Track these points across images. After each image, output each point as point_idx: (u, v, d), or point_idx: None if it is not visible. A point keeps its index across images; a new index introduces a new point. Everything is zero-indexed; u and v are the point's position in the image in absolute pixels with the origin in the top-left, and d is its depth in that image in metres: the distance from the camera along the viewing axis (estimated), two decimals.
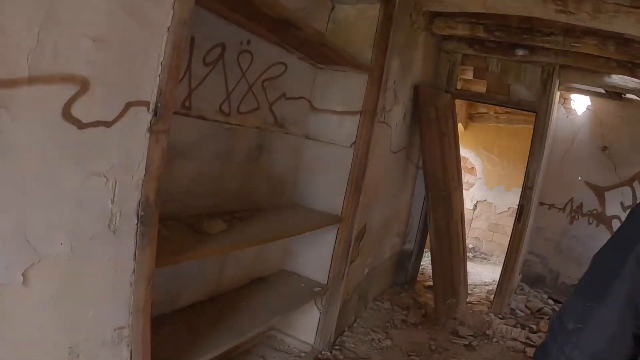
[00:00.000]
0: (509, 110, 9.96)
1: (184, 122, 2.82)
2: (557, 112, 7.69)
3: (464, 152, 10.47)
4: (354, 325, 5.08)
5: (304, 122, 4.08)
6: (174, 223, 2.74)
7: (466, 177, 10.58)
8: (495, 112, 10.36)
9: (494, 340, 5.47)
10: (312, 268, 4.19)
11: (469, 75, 7.11)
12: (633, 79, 5.64)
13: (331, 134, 4.04)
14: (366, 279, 5.28)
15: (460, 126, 10.09)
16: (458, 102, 9.44)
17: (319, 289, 4.01)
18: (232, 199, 3.36)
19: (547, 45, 5.19)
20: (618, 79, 5.93)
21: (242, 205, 3.47)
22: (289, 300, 3.68)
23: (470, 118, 10.66)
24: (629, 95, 6.91)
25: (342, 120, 3.99)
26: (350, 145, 3.95)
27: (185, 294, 3.15)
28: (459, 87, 6.62)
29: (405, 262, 6.64)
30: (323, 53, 3.44)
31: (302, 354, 4.17)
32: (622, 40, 4.77)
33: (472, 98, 6.87)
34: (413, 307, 5.87)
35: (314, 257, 4.18)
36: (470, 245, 10.39)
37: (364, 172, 4.08)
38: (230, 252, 3.44)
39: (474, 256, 9.87)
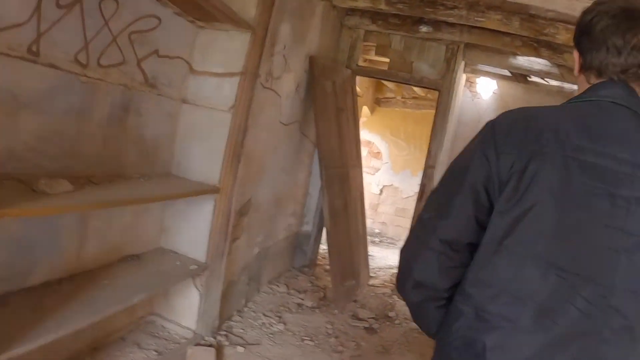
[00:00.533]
0: (415, 95, 9.97)
1: (30, 69, 2.41)
2: (462, 95, 7.77)
3: (370, 136, 10.37)
4: (245, 309, 4.76)
5: (181, 84, 3.70)
6: (13, 183, 2.34)
7: (372, 162, 10.48)
8: (402, 97, 10.33)
9: (397, 322, 5.31)
10: (190, 245, 3.84)
11: (373, 55, 6.94)
12: (538, 60, 5.62)
13: (210, 97, 3.69)
14: (257, 259, 4.98)
15: (366, 110, 9.98)
16: (364, 84, 9.39)
17: (195, 267, 3.66)
18: (91, 162, 2.97)
19: (451, 20, 5.06)
20: (524, 60, 5.91)
21: (104, 170, 3.09)
22: (160, 278, 3.32)
23: (377, 103, 10.55)
24: (534, 79, 6.91)
25: (222, 82, 3.66)
26: (229, 109, 3.62)
27: (37, 270, 2.74)
28: (361, 64, 6.42)
29: (304, 245, 6.38)
30: (197, 5, 3.09)
31: (183, 340, 3.82)
32: (526, 16, 4.70)
33: (374, 75, 6.65)
34: (311, 291, 5.61)
35: (192, 234, 3.83)
36: (376, 230, 10.31)
37: (244, 138, 3.77)
38: (93, 226, 3.08)
39: (380, 241, 9.76)
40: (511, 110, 1.38)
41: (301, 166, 5.78)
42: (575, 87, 6.31)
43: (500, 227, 1.24)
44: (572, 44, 1.50)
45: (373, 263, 7.35)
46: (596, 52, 1.35)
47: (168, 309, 3.96)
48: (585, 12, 1.40)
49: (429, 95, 9.75)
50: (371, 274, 6.72)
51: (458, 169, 1.39)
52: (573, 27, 4.59)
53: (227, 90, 3.62)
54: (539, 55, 5.23)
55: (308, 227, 6.38)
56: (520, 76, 6.87)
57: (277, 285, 5.54)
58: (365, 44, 6.28)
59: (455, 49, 5.81)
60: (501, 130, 1.31)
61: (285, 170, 5.25)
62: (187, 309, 3.89)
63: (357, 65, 6.18)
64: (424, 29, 5.62)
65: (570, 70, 5.66)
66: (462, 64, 6.23)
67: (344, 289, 5.31)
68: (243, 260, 4.58)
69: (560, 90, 6.89)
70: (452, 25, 5.34)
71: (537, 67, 5.89)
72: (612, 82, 1.33)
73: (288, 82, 4.70)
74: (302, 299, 5.29)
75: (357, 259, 5.80)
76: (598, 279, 1.14)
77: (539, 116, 1.31)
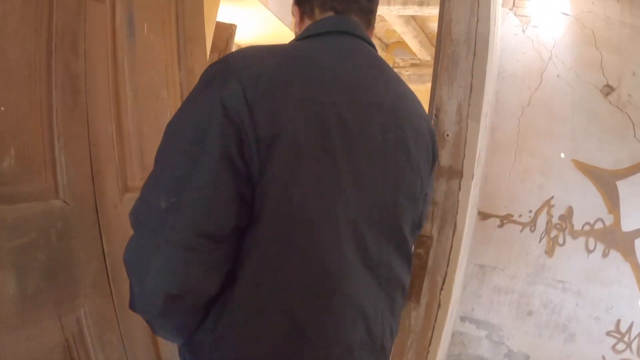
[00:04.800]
0: (416, 60, 6.74)
1: None
2: (501, 22, 4.35)
3: None
4: None
5: None
6: None
7: None
8: (395, 66, 7.19)
9: None
10: None
11: None
12: None
13: None
14: None
15: None
16: None
17: None
18: None
19: None
20: None
21: None
22: None
23: None
24: None
25: None
26: None
27: None
28: None
29: None
30: None
31: None
32: None
33: None
34: None
35: None
36: None
37: None
38: None
39: None
40: (251, 48, 1.15)
41: None
42: None
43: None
44: None
45: None
46: None
47: None
48: None
49: None
50: None
51: (190, 134, 1.02)
52: None
53: None
54: None
55: None
56: None
57: None
58: None
59: None
60: (249, 72, 1.04)
61: None
62: None
63: None
64: None
65: None
66: None
67: None
68: None
69: None
70: None
71: None
72: (339, 15, 1.28)
73: None
74: None
75: None
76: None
77: (287, 52, 1.17)
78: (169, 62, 1.79)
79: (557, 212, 3.91)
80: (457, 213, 1.67)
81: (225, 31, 3.80)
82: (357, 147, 1.10)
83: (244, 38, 5.25)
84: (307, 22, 1.30)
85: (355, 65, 1.19)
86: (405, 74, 6.61)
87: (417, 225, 1.35)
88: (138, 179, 1.58)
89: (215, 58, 3.99)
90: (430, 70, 6.22)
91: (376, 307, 1.16)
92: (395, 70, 6.21)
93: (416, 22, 5.15)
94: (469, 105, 1.78)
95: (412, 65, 6.58)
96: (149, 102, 1.67)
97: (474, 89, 1.78)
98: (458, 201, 1.66)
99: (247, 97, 0.99)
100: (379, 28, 5.91)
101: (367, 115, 1.14)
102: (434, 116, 1.75)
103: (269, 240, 1.04)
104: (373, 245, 1.14)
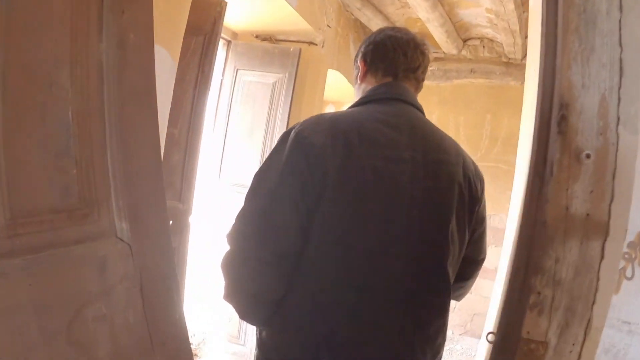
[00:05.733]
0: (440, 54, 5.90)
1: None
2: None
3: None
4: None
5: None
6: None
7: None
8: None
9: None
10: None
11: None
12: None
13: None
14: None
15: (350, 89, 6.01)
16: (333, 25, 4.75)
17: None
18: None
19: None
20: None
21: None
22: None
23: None
24: None
25: None
26: None
27: None
28: None
29: None
30: None
31: None
32: None
33: None
34: None
35: None
36: None
37: None
38: None
39: None
40: (316, 119, 1.52)
41: None
42: None
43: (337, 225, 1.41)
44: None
45: None
46: (387, 58, 1.63)
47: None
48: (376, 36, 1.69)
49: (464, 53, 5.77)
50: None
51: (273, 179, 1.44)
52: None
53: None
54: None
55: None
56: None
57: None
58: None
59: None
60: (310, 142, 1.41)
61: None
62: None
63: None
64: None
65: None
66: None
67: None
68: None
69: None
70: None
71: None
72: (396, 82, 1.62)
73: None
74: None
75: None
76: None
77: (341, 121, 1.48)
78: (80, 27, 1.01)
79: (625, 238, 3.11)
80: (594, 302, 0.92)
81: (213, 9, 3.05)
82: (386, 190, 1.43)
83: (237, 20, 4.22)
84: (370, 79, 1.66)
85: (398, 128, 1.49)
86: (428, 69, 5.84)
87: (471, 261, 1.64)
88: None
89: (200, 43, 3.21)
90: (455, 65, 5.43)
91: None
92: None
93: (444, 7, 4.39)
94: (619, 99, 0.90)
95: (436, 59, 5.74)
96: (32, 95, 0.92)
97: (627, 69, 0.89)
98: (598, 280, 0.91)
99: (309, 162, 1.38)
100: (399, 17, 5.10)
101: (397, 168, 1.44)
102: (557, 122, 0.90)
103: (314, 260, 1.41)
104: (385, 271, 1.42)
